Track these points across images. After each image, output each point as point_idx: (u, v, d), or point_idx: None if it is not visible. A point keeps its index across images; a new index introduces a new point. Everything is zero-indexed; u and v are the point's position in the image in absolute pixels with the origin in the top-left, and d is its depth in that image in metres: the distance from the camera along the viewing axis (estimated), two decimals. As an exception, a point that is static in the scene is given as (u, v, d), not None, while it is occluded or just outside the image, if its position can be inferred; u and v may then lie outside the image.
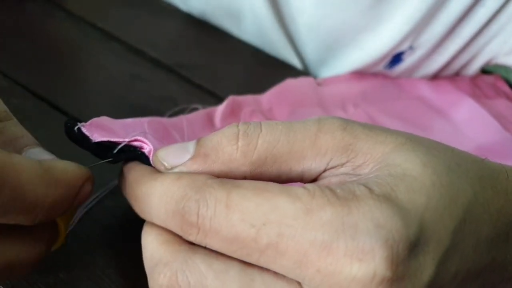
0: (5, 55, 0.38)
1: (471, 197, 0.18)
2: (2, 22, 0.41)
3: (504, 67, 0.44)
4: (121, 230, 0.27)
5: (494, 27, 0.38)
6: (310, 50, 0.41)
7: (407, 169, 0.18)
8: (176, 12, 0.46)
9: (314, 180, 0.20)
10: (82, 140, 0.21)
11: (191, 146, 0.19)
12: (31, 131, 0.33)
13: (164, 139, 0.25)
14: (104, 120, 0.22)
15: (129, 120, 0.24)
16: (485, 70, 0.46)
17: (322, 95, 0.36)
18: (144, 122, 0.24)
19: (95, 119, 0.22)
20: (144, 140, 0.20)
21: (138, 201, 0.19)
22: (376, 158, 0.19)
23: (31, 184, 0.17)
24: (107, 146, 0.21)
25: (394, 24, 0.36)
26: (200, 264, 0.18)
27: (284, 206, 0.17)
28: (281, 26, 0.40)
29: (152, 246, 0.19)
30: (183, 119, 0.27)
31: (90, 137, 0.21)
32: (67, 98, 0.35)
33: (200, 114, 0.29)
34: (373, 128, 0.19)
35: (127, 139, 0.20)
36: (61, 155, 0.31)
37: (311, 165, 0.19)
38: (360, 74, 0.40)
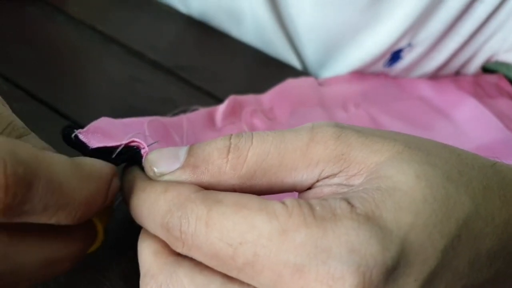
0: (5, 58, 0.38)
1: (469, 211, 0.17)
2: (2, 26, 0.41)
3: (506, 65, 0.44)
4: (121, 233, 0.27)
5: (493, 24, 0.38)
6: (310, 50, 0.41)
7: (398, 182, 0.17)
8: (175, 14, 0.46)
9: (308, 189, 0.19)
10: (80, 147, 0.21)
11: (182, 154, 0.19)
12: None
13: (164, 139, 0.25)
14: (103, 122, 0.22)
15: (129, 120, 0.24)
16: (487, 68, 0.45)
17: (323, 95, 0.35)
18: (144, 122, 0.24)
19: (92, 124, 0.22)
20: (140, 141, 0.20)
21: (131, 210, 0.20)
22: (370, 168, 0.18)
23: (65, 176, 0.17)
24: (106, 152, 0.21)
25: (392, 22, 0.36)
26: (183, 278, 0.18)
27: (261, 226, 0.16)
28: (280, 26, 0.40)
29: (144, 254, 0.19)
30: (183, 119, 0.27)
31: (88, 144, 0.21)
32: (67, 101, 0.35)
33: (200, 113, 0.29)
34: (370, 135, 0.19)
35: (124, 142, 0.20)
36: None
37: (303, 176, 0.19)
38: (361, 74, 0.40)
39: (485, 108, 0.40)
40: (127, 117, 0.26)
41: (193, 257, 0.18)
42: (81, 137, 0.21)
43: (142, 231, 0.20)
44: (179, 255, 0.19)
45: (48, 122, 0.34)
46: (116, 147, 0.21)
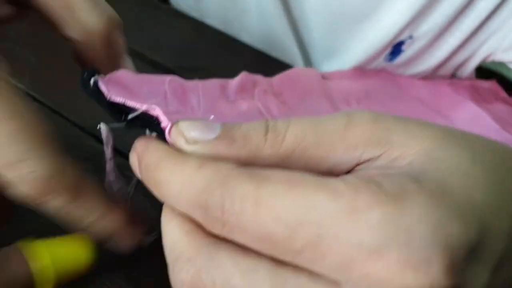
0: (6, 60, 0.38)
1: None
2: (4, 27, 0.41)
3: (506, 67, 0.44)
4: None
5: (494, 21, 0.38)
6: (315, 37, 0.41)
7: (456, 164, 0.16)
8: (176, 15, 0.46)
9: (348, 173, 0.18)
10: (97, 95, 0.19)
11: (217, 126, 0.18)
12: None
13: (181, 101, 0.23)
14: (123, 75, 0.21)
15: (149, 77, 0.23)
16: (483, 67, 0.45)
17: (327, 88, 0.35)
18: (165, 80, 0.23)
19: (113, 74, 0.20)
20: (161, 113, 0.19)
21: (156, 187, 0.18)
22: (415, 151, 0.17)
23: None
24: (121, 109, 0.19)
25: (395, 12, 0.36)
26: (226, 262, 0.16)
27: (324, 205, 0.15)
28: (285, 12, 0.40)
29: (173, 235, 0.17)
30: (198, 85, 0.26)
31: (106, 94, 0.19)
32: (68, 102, 0.35)
33: (214, 83, 0.27)
34: (407, 121, 0.18)
35: (144, 107, 0.19)
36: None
37: (342, 158, 0.17)
38: (362, 71, 0.41)
39: (482, 111, 0.40)
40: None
41: (234, 240, 0.16)
42: (100, 85, 0.19)
43: (165, 210, 0.18)
44: (216, 236, 0.17)
45: (49, 123, 0.34)
46: (135, 108, 0.19)
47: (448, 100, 0.41)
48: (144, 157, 0.18)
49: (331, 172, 0.18)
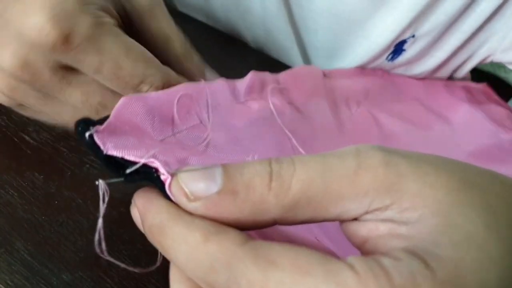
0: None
1: None
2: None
3: (504, 69, 0.45)
4: (124, 233, 0.28)
5: (496, 22, 0.38)
6: (318, 39, 0.41)
7: (471, 233, 0.15)
8: (177, 15, 0.46)
9: (354, 220, 0.17)
10: (93, 148, 0.18)
11: (218, 175, 0.17)
12: (36, 134, 0.33)
13: (191, 117, 0.23)
14: (125, 109, 0.19)
15: (155, 100, 0.21)
16: (481, 69, 0.45)
17: (329, 88, 0.35)
18: (174, 100, 0.22)
19: (113, 115, 0.19)
20: (160, 165, 0.18)
21: (163, 251, 0.17)
22: (428, 204, 0.16)
23: None
24: (120, 162, 0.18)
25: (398, 11, 0.36)
26: None
27: None
28: (288, 14, 0.40)
29: None
30: (205, 89, 0.24)
31: (102, 148, 0.18)
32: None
33: (221, 86, 0.26)
34: (420, 163, 0.17)
35: (142, 160, 0.18)
36: (71, 158, 0.32)
37: (350, 206, 0.17)
38: (362, 70, 0.40)
39: (478, 112, 0.41)
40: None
41: None
42: (95, 138, 0.18)
43: (173, 269, 0.18)
44: None
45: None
46: (133, 162, 0.18)
47: (444, 101, 0.41)
48: (147, 218, 0.17)
49: (338, 219, 0.17)
